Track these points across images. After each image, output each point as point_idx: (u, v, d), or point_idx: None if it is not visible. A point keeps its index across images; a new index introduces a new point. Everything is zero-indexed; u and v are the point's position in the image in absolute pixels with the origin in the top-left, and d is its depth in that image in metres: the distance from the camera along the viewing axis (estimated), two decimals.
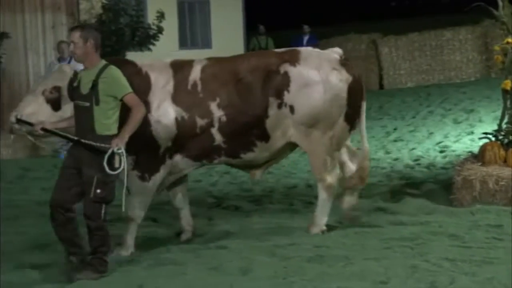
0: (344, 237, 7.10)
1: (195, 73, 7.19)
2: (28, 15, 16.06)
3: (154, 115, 7.01)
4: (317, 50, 7.58)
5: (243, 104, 7.13)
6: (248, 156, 7.29)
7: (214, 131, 7.12)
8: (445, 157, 11.56)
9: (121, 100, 6.31)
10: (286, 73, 7.21)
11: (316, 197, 7.58)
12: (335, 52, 7.47)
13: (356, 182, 7.64)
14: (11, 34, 15.36)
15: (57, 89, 6.96)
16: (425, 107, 16.88)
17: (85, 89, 6.32)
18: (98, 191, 6.20)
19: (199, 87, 7.15)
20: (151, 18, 17.63)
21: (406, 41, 21.35)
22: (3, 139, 13.68)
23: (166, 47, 17.09)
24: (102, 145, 6.18)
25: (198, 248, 7.00)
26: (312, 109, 7.19)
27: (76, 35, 6.34)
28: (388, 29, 23.08)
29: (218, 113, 7.11)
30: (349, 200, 7.69)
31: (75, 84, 6.44)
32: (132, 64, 7.22)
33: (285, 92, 7.19)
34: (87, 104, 6.28)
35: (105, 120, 6.27)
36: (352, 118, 7.38)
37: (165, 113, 7.05)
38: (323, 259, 6.36)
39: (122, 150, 6.18)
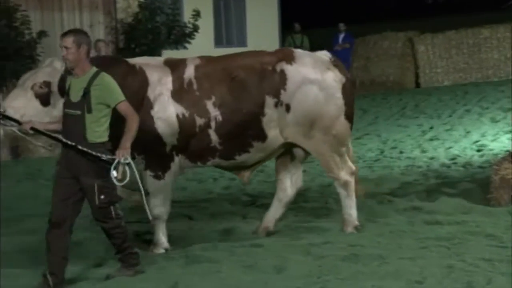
0: (379, 236, 7.07)
1: (190, 72, 7.11)
2: (66, 14, 16.25)
3: (154, 111, 6.94)
4: (308, 52, 7.54)
5: (239, 103, 7.08)
6: (242, 157, 7.25)
7: (211, 131, 7.07)
8: (482, 156, 11.44)
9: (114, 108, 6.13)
10: (282, 71, 7.19)
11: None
12: (325, 55, 7.49)
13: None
14: (50, 33, 15.53)
15: (47, 84, 6.73)
16: (462, 105, 16.70)
17: (75, 97, 6.10)
18: (102, 197, 6.07)
19: (195, 86, 7.07)
20: (187, 16, 17.71)
21: (443, 39, 21.12)
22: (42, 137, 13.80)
23: (202, 46, 17.15)
24: (109, 157, 6.03)
25: (233, 246, 7.01)
26: (307, 108, 7.17)
27: (69, 40, 6.08)
28: (424, 27, 22.84)
29: (214, 112, 7.05)
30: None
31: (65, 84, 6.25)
32: (125, 62, 7.09)
33: (282, 91, 7.16)
34: (79, 112, 6.05)
35: (97, 127, 6.08)
36: (351, 116, 7.39)
37: (165, 109, 6.97)
38: (358, 258, 6.34)
39: (130, 161, 6.05)
